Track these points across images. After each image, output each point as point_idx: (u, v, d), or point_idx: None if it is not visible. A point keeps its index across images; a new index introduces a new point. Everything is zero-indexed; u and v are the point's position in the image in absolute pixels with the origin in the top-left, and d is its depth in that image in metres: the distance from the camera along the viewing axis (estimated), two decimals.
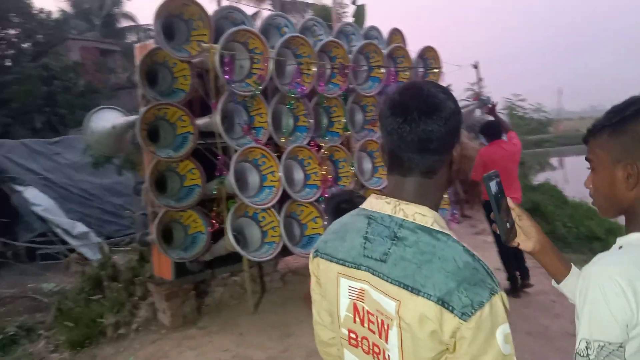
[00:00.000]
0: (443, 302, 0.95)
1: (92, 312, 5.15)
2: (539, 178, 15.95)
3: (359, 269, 1.09)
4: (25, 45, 17.20)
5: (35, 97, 13.95)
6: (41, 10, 18.05)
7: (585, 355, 1.09)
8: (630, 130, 1.14)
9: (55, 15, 20.05)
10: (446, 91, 1.10)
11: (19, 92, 13.84)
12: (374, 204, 1.14)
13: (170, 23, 4.43)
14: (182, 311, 4.79)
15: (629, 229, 1.20)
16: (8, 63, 16.59)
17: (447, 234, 1.03)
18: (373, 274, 1.06)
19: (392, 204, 1.09)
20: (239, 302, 5.24)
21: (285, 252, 4.66)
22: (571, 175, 17.45)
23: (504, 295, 0.98)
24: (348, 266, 1.12)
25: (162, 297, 4.73)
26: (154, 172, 4.28)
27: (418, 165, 1.07)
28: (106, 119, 5.18)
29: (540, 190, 12.24)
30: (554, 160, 28.25)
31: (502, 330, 0.96)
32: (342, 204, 2.41)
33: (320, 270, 1.23)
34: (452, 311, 0.95)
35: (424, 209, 1.05)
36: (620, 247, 1.17)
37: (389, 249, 1.04)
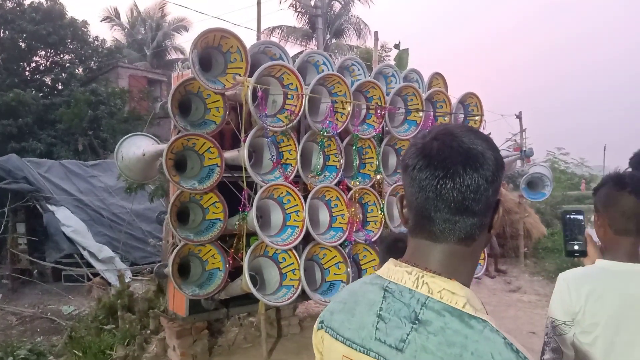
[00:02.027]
0: None
1: (103, 342, 5.01)
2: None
3: (368, 354, 0.89)
4: (77, 71, 17.93)
5: (81, 120, 14.37)
6: (96, 39, 18.87)
7: (547, 326, 1.76)
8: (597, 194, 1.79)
9: (109, 44, 20.90)
10: (488, 139, 0.92)
11: (66, 115, 14.31)
12: (392, 272, 0.94)
13: (208, 54, 4.40)
14: (193, 350, 4.58)
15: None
16: (60, 86, 17.28)
17: (484, 321, 0.82)
18: None
19: (414, 275, 0.89)
20: (252, 346, 4.98)
21: (305, 295, 4.41)
22: None
23: None
24: (355, 349, 0.91)
25: (173, 333, 4.54)
26: (176, 202, 4.16)
27: (454, 230, 0.88)
28: (138, 146, 5.15)
29: None
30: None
31: None
32: (399, 242, 2.13)
33: (325, 346, 1.00)
34: None
35: (455, 285, 0.86)
36: (583, 266, 1.82)
37: (408, 334, 0.84)
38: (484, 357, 0.77)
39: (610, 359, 1.63)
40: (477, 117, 5.84)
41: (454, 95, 5.71)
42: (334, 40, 22.98)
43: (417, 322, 0.84)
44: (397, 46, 10.80)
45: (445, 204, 0.87)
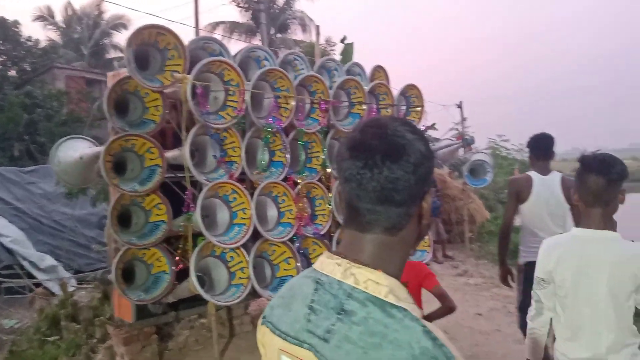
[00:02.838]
0: None
1: (46, 354, 4.81)
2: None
3: (302, 346, 0.89)
4: (10, 73, 17.02)
5: (16, 125, 13.66)
6: (29, 39, 17.97)
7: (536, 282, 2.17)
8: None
9: (43, 44, 19.96)
10: (416, 130, 0.93)
11: (0, 119, 13.57)
12: (325, 264, 0.94)
13: (145, 52, 4.27)
14: (142, 356, 4.46)
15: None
16: None
17: (405, 310, 0.83)
18: (316, 355, 0.86)
19: (342, 266, 0.90)
20: (203, 347, 4.90)
21: (255, 293, 4.37)
22: None
23: None
24: (290, 342, 0.91)
25: (120, 340, 4.40)
26: (117, 206, 4.03)
27: (379, 220, 0.90)
28: (74, 149, 4.96)
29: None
30: None
31: None
32: None
33: (266, 341, 0.99)
34: None
35: (379, 275, 0.86)
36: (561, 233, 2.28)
37: (333, 325, 0.85)
38: (403, 345, 0.78)
39: (574, 311, 2.06)
40: (418, 108, 5.95)
41: (397, 87, 5.80)
42: (279, 35, 22.89)
43: (342, 312, 0.85)
44: (342, 40, 10.86)
45: (366, 194, 0.88)
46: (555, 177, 3.88)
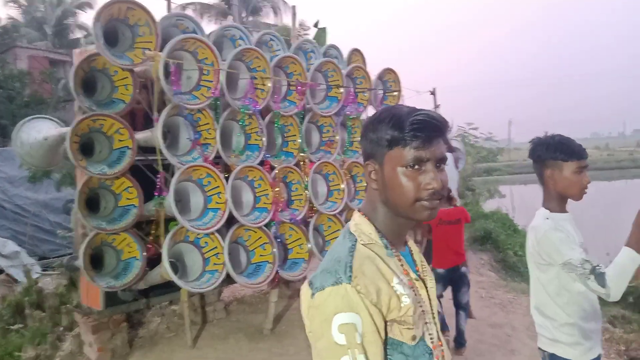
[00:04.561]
0: (310, 283, 1.08)
1: (10, 343, 4.60)
2: (489, 205, 16.17)
3: None
4: None
5: None
6: None
7: (577, 266, 1.96)
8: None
9: (4, 22, 19.11)
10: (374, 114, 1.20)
11: None
12: None
13: (114, 28, 4.06)
14: (112, 345, 4.30)
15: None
16: None
17: (353, 235, 1.14)
18: None
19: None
20: (175, 335, 4.77)
21: (230, 279, 4.27)
22: (520, 204, 17.84)
23: (351, 289, 1.01)
24: None
25: (88, 328, 4.23)
26: (84, 189, 3.85)
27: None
28: (38, 130, 4.71)
29: (492, 218, 12.30)
30: (502, 189, 29.06)
31: (339, 319, 0.99)
32: None
33: None
34: (311, 289, 1.06)
35: (356, 215, 1.20)
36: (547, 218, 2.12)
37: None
38: (334, 252, 1.12)
39: None
40: (395, 93, 5.90)
41: (372, 72, 5.72)
42: (250, 18, 22.49)
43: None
44: (316, 25, 10.69)
45: None
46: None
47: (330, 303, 1.01)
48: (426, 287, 1.20)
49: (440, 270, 4.57)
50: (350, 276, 1.02)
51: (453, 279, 4.66)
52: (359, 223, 1.17)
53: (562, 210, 2.15)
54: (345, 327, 0.99)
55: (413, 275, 1.17)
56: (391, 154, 1.10)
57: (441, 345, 1.17)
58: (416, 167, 1.08)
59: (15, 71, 14.82)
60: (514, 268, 9.18)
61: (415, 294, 1.12)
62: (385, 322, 1.05)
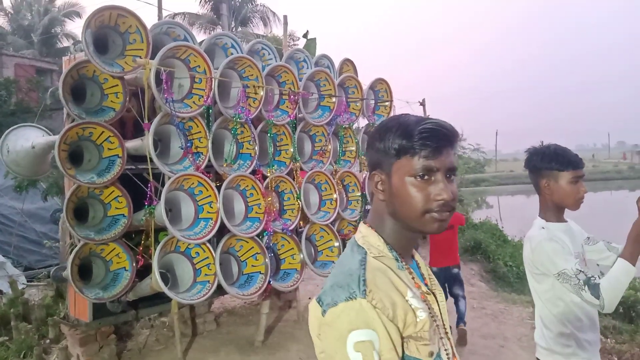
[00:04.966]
0: (319, 300, 1.03)
1: None
2: (477, 215, 16.24)
3: None
4: None
5: None
6: None
7: (570, 276, 1.93)
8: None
9: None
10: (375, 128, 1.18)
11: None
12: None
13: (104, 35, 4.01)
14: (99, 358, 4.20)
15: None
16: None
17: (362, 248, 1.10)
18: None
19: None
20: (165, 347, 4.67)
21: (221, 290, 4.20)
22: (507, 214, 17.99)
23: (366, 304, 0.95)
24: None
25: (76, 341, 4.13)
26: (73, 198, 3.77)
27: None
28: (26, 138, 4.63)
29: (481, 229, 12.33)
30: (489, 199, 29.28)
31: (355, 336, 0.93)
32: None
33: None
34: (321, 306, 1.01)
35: (363, 227, 1.16)
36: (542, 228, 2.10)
37: None
38: (343, 266, 1.07)
39: None
40: (387, 103, 5.90)
41: (364, 82, 5.72)
42: (240, 29, 22.50)
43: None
44: (305, 35, 10.72)
45: None
46: None
47: (344, 320, 0.95)
48: (437, 301, 1.16)
49: (434, 269, 5.06)
50: (364, 290, 0.97)
51: (446, 277, 5.21)
52: (366, 235, 1.13)
53: (559, 219, 2.14)
54: (362, 345, 0.93)
55: (424, 289, 1.13)
56: (399, 164, 1.06)
57: None
58: (425, 177, 1.05)
59: (1, 79, 14.64)
60: (504, 278, 9.19)
61: (429, 308, 1.08)
62: (402, 338, 1.00)
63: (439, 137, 1.05)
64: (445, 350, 1.09)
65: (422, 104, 12.51)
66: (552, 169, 2.08)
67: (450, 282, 5.23)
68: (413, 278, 1.11)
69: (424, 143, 1.03)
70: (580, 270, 1.90)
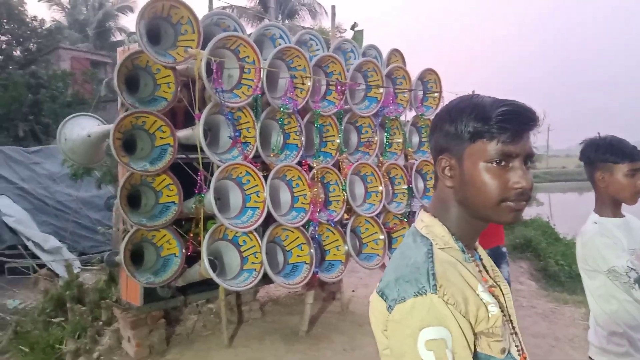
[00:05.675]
0: (382, 294, 0.98)
1: (51, 336, 4.68)
2: (527, 212, 15.79)
3: None
4: (15, 53, 16.81)
5: (20, 105, 13.50)
6: (34, 18, 17.71)
7: (621, 274, 1.86)
8: None
9: (49, 24, 19.72)
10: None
11: (4, 99, 13.39)
12: None
13: (157, 26, 4.10)
14: (149, 341, 4.34)
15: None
16: None
17: (426, 238, 1.03)
18: None
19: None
20: (212, 333, 4.78)
21: (266, 278, 4.24)
22: (559, 212, 17.38)
23: (438, 300, 0.90)
24: None
25: (127, 324, 4.28)
26: (126, 185, 3.89)
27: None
28: (82, 126, 4.81)
29: (532, 226, 11.98)
30: (540, 196, 28.38)
31: (426, 334, 0.88)
32: None
33: None
34: (386, 301, 0.96)
35: (425, 215, 1.09)
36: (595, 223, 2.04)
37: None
38: (406, 257, 1.00)
39: None
40: (436, 94, 5.79)
41: (412, 73, 5.62)
42: (287, 22, 22.60)
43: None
44: (353, 27, 10.64)
45: None
46: None
47: (414, 317, 0.90)
48: (502, 294, 1.10)
49: (486, 250, 5.06)
50: (434, 285, 0.92)
51: (496, 257, 5.12)
52: (429, 225, 1.05)
53: (615, 214, 2.06)
54: (434, 343, 0.88)
55: (491, 282, 1.07)
56: (473, 148, 0.99)
57: (526, 357, 1.06)
58: (503, 163, 0.97)
59: (58, 72, 15.25)
60: (555, 277, 8.90)
61: (499, 302, 1.02)
62: (474, 334, 0.95)
63: (519, 121, 0.97)
64: (516, 346, 1.04)
65: None
66: (607, 161, 2.00)
67: (498, 261, 5.19)
68: (480, 271, 1.06)
69: (502, 126, 0.96)
70: (632, 268, 1.83)
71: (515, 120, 0.97)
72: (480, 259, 1.15)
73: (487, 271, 1.14)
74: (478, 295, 0.97)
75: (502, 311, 1.01)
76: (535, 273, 8.92)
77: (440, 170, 1.06)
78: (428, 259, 0.97)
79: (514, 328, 1.07)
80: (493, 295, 1.01)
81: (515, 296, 6.55)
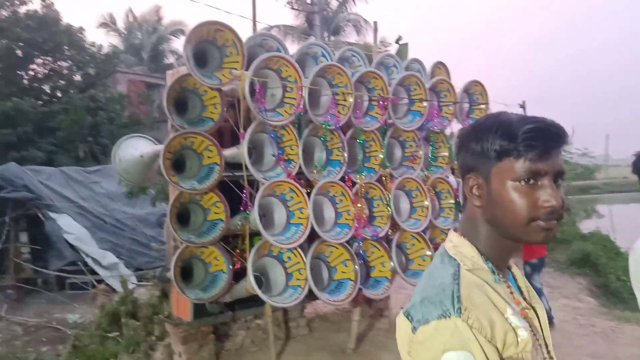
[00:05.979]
0: (408, 314, 0.98)
1: (107, 350, 4.87)
2: (585, 226, 15.10)
3: None
4: (75, 77, 17.79)
5: (80, 127, 14.25)
6: (92, 44, 18.73)
7: None
8: None
9: (106, 49, 20.77)
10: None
11: (65, 122, 14.18)
12: None
13: (203, 49, 4.25)
14: (199, 356, 4.43)
15: None
16: (58, 94, 17.17)
17: (454, 259, 1.02)
18: None
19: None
20: (260, 349, 4.83)
21: (312, 295, 4.26)
22: (621, 225, 16.50)
23: (462, 323, 0.89)
24: None
25: (178, 339, 4.39)
26: (176, 204, 4.02)
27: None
28: (135, 147, 5.02)
29: (591, 240, 11.47)
30: (600, 208, 27.03)
31: (448, 357, 0.87)
32: None
33: None
34: (411, 322, 0.96)
35: (454, 236, 1.08)
36: None
37: None
38: (434, 278, 1.00)
39: None
40: (482, 106, 5.68)
41: (457, 85, 5.55)
42: (332, 38, 22.84)
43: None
44: (397, 41, 10.64)
45: None
46: None
47: (437, 340, 0.90)
48: (537, 316, 1.06)
49: (534, 261, 5.56)
50: (459, 308, 0.90)
51: (542, 266, 5.69)
52: (458, 245, 1.05)
53: None
54: None
55: (524, 304, 1.03)
56: (500, 167, 0.97)
57: None
58: (531, 181, 0.95)
59: (115, 94, 16.01)
60: (616, 294, 8.45)
61: (530, 325, 0.99)
62: (502, 359, 0.92)
63: (547, 138, 0.95)
64: None
65: (522, 106, 11.94)
66: None
67: (541, 269, 5.71)
68: (511, 293, 1.03)
69: (530, 144, 0.94)
70: None
71: (542, 138, 0.95)
72: (515, 279, 1.12)
73: (521, 292, 1.10)
74: (507, 319, 0.95)
75: (535, 335, 0.98)
76: (594, 289, 8.51)
77: (468, 189, 1.05)
78: (454, 280, 0.96)
79: (549, 352, 1.04)
80: (525, 318, 0.99)
81: (573, 314, 6.29)
